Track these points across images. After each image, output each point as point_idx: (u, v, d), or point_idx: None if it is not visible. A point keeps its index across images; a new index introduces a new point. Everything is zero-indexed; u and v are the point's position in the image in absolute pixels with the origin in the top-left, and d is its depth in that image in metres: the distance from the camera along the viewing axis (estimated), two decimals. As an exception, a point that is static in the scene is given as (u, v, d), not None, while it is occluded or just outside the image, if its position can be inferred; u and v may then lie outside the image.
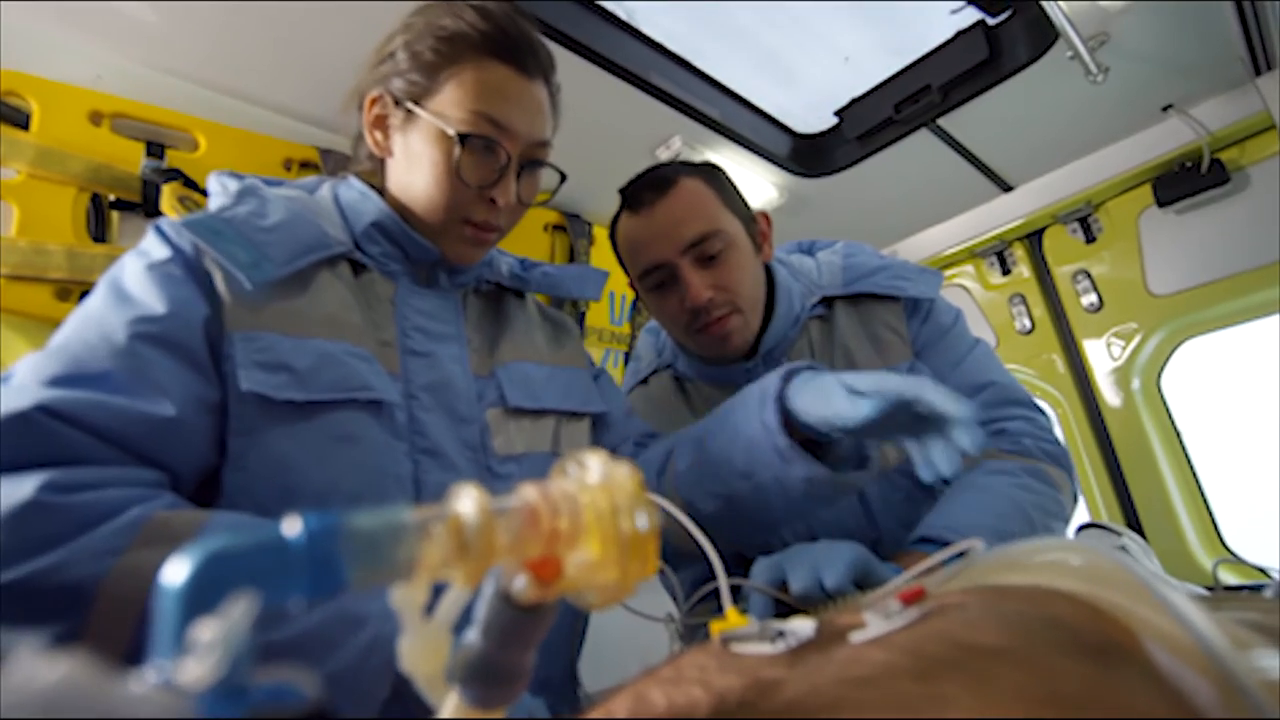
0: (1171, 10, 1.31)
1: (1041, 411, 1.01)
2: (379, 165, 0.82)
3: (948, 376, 1.00)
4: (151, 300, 0.61)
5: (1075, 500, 0.97)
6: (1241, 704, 0.20)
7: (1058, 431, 1.02)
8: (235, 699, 0.16)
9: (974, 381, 1.00)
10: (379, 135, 0.79)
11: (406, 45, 0.76)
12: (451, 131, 0.72)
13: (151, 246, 0.66)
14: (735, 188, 1.03)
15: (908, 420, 0.64)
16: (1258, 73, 1.45)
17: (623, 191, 1.00)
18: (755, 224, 1.03)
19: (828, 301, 1.06)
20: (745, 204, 1.04)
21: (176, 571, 0.18)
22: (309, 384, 0.65)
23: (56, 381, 0.54)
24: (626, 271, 1.04)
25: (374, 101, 0.78)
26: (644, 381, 1.15)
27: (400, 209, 0.79)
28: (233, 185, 0.75)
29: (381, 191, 0.81)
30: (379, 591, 0.41)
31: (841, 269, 1.07)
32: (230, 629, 0.16)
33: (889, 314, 1.03)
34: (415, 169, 0.76)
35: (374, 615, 0.51)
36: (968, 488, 0.90)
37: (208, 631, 0.16)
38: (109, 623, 0.45)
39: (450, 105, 0.73)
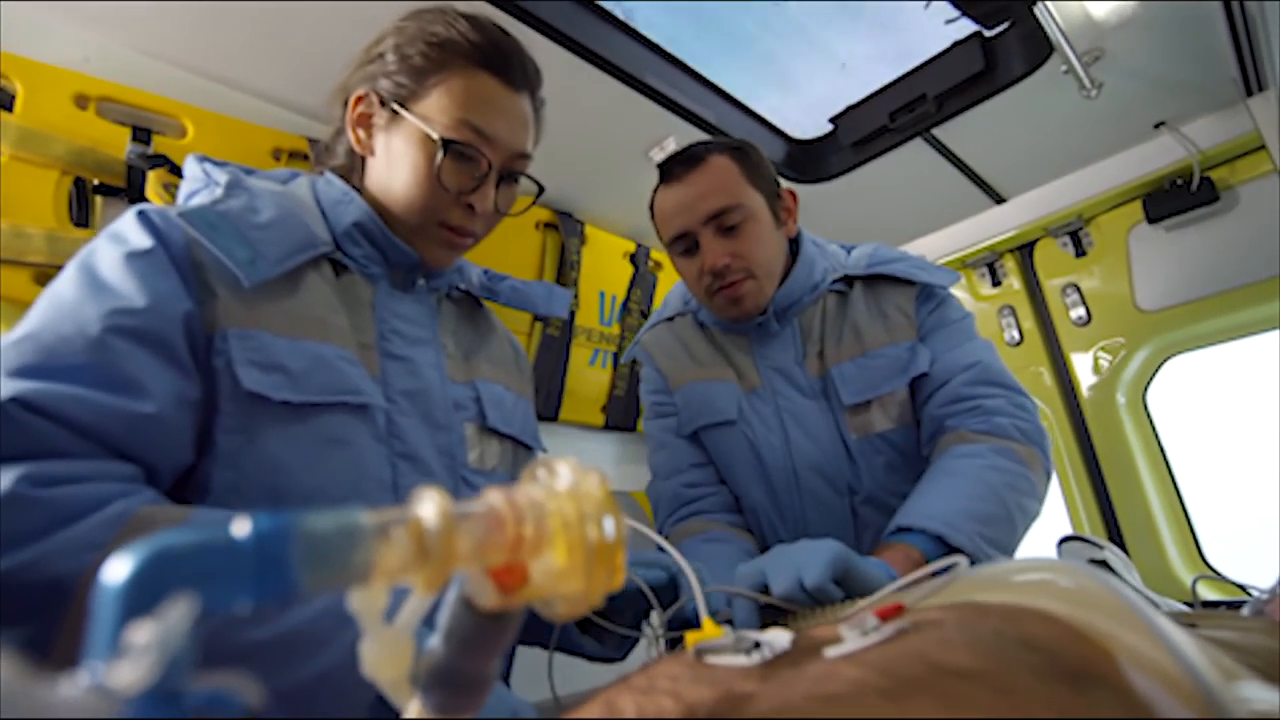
0: (1166, 29, 1.32)
1: (1025, 395, 1.05)
2: (357, 162, 0.81)
3: (941, 357, 1.07)
4: (131, 292, 0.59)
5: (1048, 477, 1.00)
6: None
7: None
8: (169, 704, 0.15)
9: (962, 362, 1.06)
10: (361, 133, 0.79)
11: (396, 48, 0.76)
12: (435, 136, 0.73)
13: (131, 233, 0.64)
14: (766, 165, 1.11)
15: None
16: (1249, 93, 1.46)
17: (660, 165, 1.10)
18: (780, 199, 1.12)
19: (849, 281, 1.15)
20: (774, 180, 1.12)
21: (117, 570, 0.17)
22: (302, 386, 0.64)
23: (29, 372, 0.52)
24: (660, 236, 1.14)
25: (359, 100, 0.77)
26: (670, 320, 1.27)
27: (377, 207, 0.79)
28: (219, 175, 0.73)
29: (358, 189, 0.81)
30: None
31: (867, 255, 1.17)
32: (167, 631, 0.16)
33: (901, 297, 1.12)
34: (396, 169, 0.76)
35: None
36: (940, 473, 0.95)
37: (143, 634, 0.16)
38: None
39: (436, 110, 0.74)
